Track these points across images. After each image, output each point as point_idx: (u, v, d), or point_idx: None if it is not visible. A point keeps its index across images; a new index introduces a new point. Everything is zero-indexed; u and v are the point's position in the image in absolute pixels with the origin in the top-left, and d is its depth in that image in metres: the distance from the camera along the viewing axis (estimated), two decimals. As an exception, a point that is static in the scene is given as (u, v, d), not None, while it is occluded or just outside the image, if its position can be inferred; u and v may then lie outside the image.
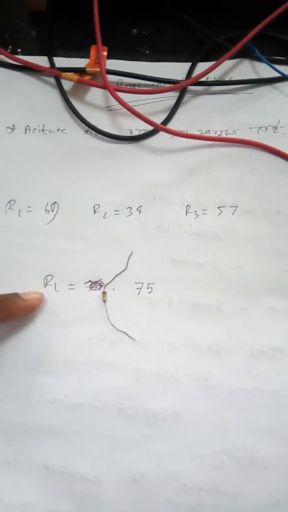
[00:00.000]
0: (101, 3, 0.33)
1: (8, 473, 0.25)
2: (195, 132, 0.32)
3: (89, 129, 0.32)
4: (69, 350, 0.27)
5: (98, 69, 0.31)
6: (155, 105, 0.33)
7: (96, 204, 0.30)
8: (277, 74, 0.34)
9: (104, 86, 0.31)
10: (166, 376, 0.27)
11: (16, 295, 0.27)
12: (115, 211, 0.30)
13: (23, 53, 0.34)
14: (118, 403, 0.26)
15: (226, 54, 0.33)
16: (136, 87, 0.33)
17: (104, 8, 0.33)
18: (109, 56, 0.34)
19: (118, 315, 0.28)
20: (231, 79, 0.33)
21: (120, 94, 0.31)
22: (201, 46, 0.35)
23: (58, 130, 0.32)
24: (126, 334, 0.27)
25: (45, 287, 0.28)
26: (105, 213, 0.30)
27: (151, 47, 0.35)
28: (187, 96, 0.33)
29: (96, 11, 0.32)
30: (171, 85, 0.33)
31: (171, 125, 0.33)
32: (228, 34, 0.35)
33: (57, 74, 0.31)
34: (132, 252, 0.29)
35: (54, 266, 0.29)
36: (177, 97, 0.33)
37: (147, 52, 0.35)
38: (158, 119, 0.32)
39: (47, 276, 0.29)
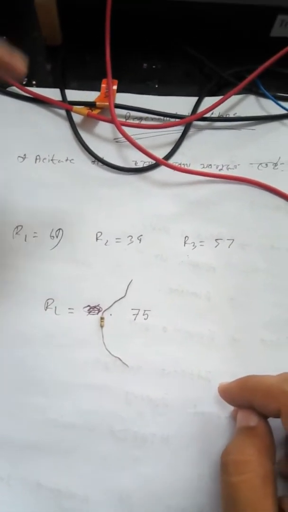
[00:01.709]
0: (113, 38, 0.35)
1: (1, 488, 0.27)
2: (198, 166, 0.34)
3: (96, 160, 0.34)
4: (65, 372, 0.28)
5: (107, 103, 0.33)
6: (161, 137, 0.34)
7: (98, 232, 0.32)
8: (280, 111, 0.35)
9: (112, 120, 0.32)
10: (157, 401, 0.28)
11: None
12: (116, 239, 0.32)
13: (38, 85, 0.36)
14: (109, 425, 0.28)
15: (231, 91, 0.34)
16: (143, 121, 0.35)
17: (116, 42, 0.35)
18: (120, 89, 0.36)
19: (114, 340, 0.29)
20: (235, 115, 0.35)
21: (127, 128, 0.33)
22: (208, 80, 0.37)
23: (66, 160, 0.34)
24: (120, 360, 0.29)
25: (45, 310, 0.30)
26: (107, 240, 0.32)
27: (160, 80, 0.37)
28: (191, 130, 0.35)
29: (108, 46, 0.34)
30: (176, 120, 0.34)
31: (175, 158, 0.34)
32: (235, 69, 0.36)
33: (68, 108, 0.33)
34: (131, 280, 0.31)
35: (55, 290, 0.30)
36: (182, 131, 0.34)
37: (156, 86, 0.37)
38: (163, 152, 0.34)
39: (48, 299, 0.30)
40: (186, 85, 0.37)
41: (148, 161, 0.34)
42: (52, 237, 0.32)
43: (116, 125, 0.32)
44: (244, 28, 0.35)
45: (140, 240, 0.32)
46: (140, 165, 0.34)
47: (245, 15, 0.34)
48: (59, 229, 0.32)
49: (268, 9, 0.33)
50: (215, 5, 0.33)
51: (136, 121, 0.35)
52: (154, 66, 0.37)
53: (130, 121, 0.35)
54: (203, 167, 0.34)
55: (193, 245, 0.32)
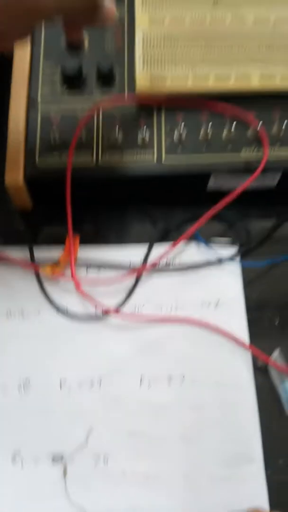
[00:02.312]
0: (76, 198, 0.41)
1: None
2: (150, 308, 0.39)
3: (60, 311, 0.38)
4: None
5: (68, 261, 0.39)
6: (118, 285, 0.39)
7: (63, 379, 0.36)
8: (218, 255, 0.40)
9: (72, 278, 0.38)
10: None
11: None
12: (79, 385, 0.36)
13: (9, 243, 0.41)
14: None
15: (177, 240, 0.40)
16: (102, 269, 0.40)
17: (80, 200, 0.40)
18: (83, 240, 0.41)
19: (77, 488, 0.32)
20: (181, 260, 0.40)
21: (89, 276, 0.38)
22: (158, 229, 0.42)
23: (34, 312, 0.38)
24: (84, 509, 0.31)
25: (12, 462, 0.33)
26: (70, 387, 0.36)
27: (117, 230, 0.43)
28: (144, 275, 0.40)
29: (69, 214, 0.39)
30: (129, 269, 0.39)
31: (130, 301, 0.39)
32: (181, 218, 0.42)
33: (35, 269, 0.39)
34: (92, 426, 0.34)
35: (21, 441, 0.33)
36: (135, 277, 0.40)
37: (115, 235, 0.42)
38: (120, 296, 0.39)
39: (14, 451, 0.33)
40: (139, 233, 0.42)
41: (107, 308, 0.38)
42: (19, 387, 0.35)
43: (75, 284, 0.37)
44: (185, 187, 0.41)
45: (100, 385, 0.36)
46: (99, 312, 0.38)
47: (186, 178, 0.40)
48: (27, 378, 0.36)
49: (203, 173, 0.40)
50: (161, 177, 0.39)
51: (96, 270, 0.40)
52: (112, 219, 0.43)
53: (91, 269, 0.40)
54: (155, 310, 0.38)
55: (148, 385, 0.36)
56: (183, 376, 0.36)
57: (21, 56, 0.42)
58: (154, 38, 0.39)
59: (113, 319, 0.38)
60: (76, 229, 0.40)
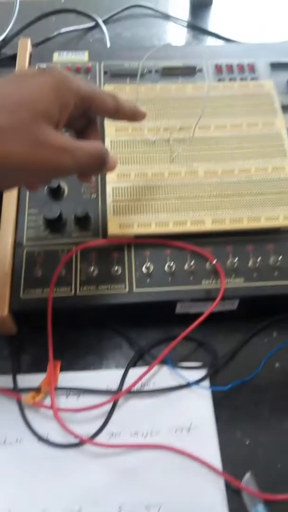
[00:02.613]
0: (59, 323, 0.44)
1: None
2: (127, 434, 0.40)
3: (41, 439, 0.40)
4: None
5: (49, 389, 0.41)
6: (95, 411, 0.41)
7: (44, 509, 0.36)
8: (189, 378, 0.43)
9: (51, 407, 0.40)
10: None
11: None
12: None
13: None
14: None
15: (151, 365, 0.43)
16: (81, 395, 0.42)
17: (62, 327, 0.44)
18: (64, 365, 0.44)
19: None
20: (154, 384, 0.43)
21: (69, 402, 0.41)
22: (135, 350, 0.45)
23: (16, 441, 0.40)
24: None
25: None
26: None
27: (96, 355, 0.46)
28: (120, 400, 0.42)
29: (50, 341, 0.43)
30: (107, 394, 0.42)
31: (107, 428, 0.41)
32: (153, 340, 0.46)
33: (17, 398, 0.41)
34: None
35: None
36: (112, 403, 0.42)
37: (93, 358, 0.46)
38: (98, 422, 0.41)
39: None
40: (116, 356, 0.46)
41: (87, 432, 0.40)
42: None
43: (54, 413, 0.40)
44: (156, 312, 0.46)
45: (79, 516, 0.36)
46: (78, 440, 0.40)
47: (155, 305, 0.45)
48: (9, 510, 0.36)
49: (170, 301, 0.45)
50: (133, 305, 0.44)
51: (76, 396, 0.43)
52: (91, 343, 0.47)
53: (71, 396, 0.43)
54: (131, 435, 0.40)
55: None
56: (160, 507, 0.37)
57: (9, 201, 0.49)
58: (122, 190, 0.47)
59: (91, 447, 0.40)
60: (57, 354, 0.44)
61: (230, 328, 0.47)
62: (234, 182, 0.47)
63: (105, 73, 0.57)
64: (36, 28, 0.73)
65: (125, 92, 0.53)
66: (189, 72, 0.57)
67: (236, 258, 0.44)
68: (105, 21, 0.76)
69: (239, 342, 0.46)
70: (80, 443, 0.40)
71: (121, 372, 0.44)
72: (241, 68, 0.57)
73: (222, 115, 0.51)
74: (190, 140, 0.49)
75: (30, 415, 0.42)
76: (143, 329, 0.47)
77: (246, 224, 0.45)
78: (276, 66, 0.57)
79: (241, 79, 0.56)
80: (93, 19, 0.75)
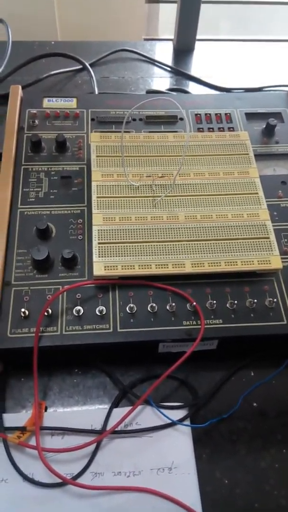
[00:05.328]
0: (45, 362, 0.46)
1: None
2: (110, 474, 0.41)
3: (26, 479, 0.41)
4: None
5: (34, 429, 0.42)
6: (79, 451, 0.42)
7: None
8: (172, 417, 0.44)
9: (36, 447, 0.41)
10: None
11: None
12: None
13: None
14: None
15: (134, 406, 0.44)
16: (66, 435, 0.44)
17: (49, 364, 0.46)
18: (50, 403, 0.46)
19: None
20: (137, 423, 0.44)
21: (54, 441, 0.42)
22: (118, 392, 0.47)
23: (1, 480, 0.41)
24: None
25: None
26: None
27: (80, 394, 0.47)
28: (104, 440, 0.43)
29: (36, 383, 0.44)
30: (91, 435, 0.43)
31: (91, 468, 0.41)
32: (135, 378, 0.47)
33: (3, 437, 0.42)
34: None
35: None
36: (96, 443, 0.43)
37: (78, 397, 0.47)
38: (82, 462, 0.42)
39: None
40: (100, 394, 0.47)
41: (71, 473, 0.41)
42: None
43: (39, 454, 0.41)
44: (138, 351, 0.48)
45: None
46: (66, 471, 0.41)
47: (138, 345, 0.47)
48: None
49: (153, 341, 0.47)
50: (117, 344, 0.46)
51: (61, 435, 0.44)
52: (75, 380, 0.48)
53: (56, 435, 0.44)
54: (114, 475, 0.41)
55: None
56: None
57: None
58: (107, 232, 0.49)
59: (75, 488, 0.41)
60: (42, 393, 0.46)
61: (210, 367, 0.49)
62: (212, 227, 0.50)
63: (92, 119, 0.60)
64: (27, 69, 0.78)
65: (111, 140, 0.56)
66: (171, 120, 0.61)
67: (215, 300, 0.47)
68: (92, 64, 0.81)
69: (218, 381, 0.48)
70: (65, 483, 0.41)
71: (105, 411, 0.45)
72: (219, 117, 0.61)
73: (201, 164, 0.55)
74: (171, 186, 0.53)
75: (15, 454, 0.42)
76: (127, 367, 0.48)
77: (223, 267, 0.48)
78: (250, 116, 0.62)
79: (219, 128, 0.60)
80: (81, 63, 0.79)
